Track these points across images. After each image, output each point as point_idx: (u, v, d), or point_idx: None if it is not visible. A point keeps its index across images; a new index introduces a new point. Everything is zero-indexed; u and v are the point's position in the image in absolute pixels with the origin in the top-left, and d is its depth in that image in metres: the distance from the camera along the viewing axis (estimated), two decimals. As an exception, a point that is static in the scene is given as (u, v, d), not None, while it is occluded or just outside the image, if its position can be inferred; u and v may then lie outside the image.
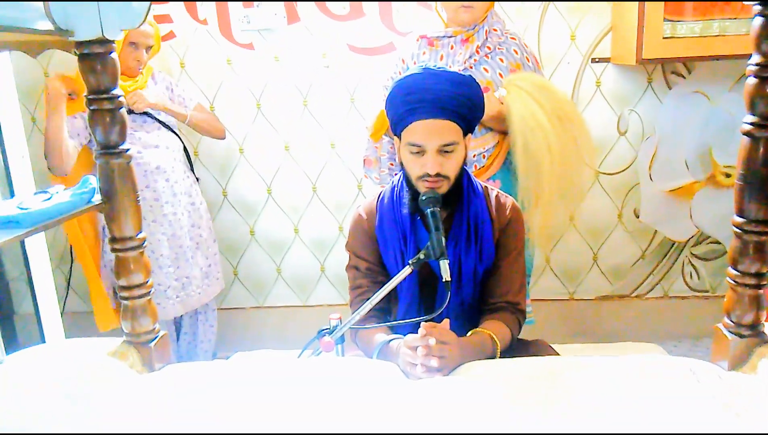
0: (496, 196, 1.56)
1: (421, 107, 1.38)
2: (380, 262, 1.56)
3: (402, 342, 1.32)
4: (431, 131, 1.38)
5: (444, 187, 1.42)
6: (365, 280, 1.56)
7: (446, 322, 1.34)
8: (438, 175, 1.39)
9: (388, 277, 1.54)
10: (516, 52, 2.02)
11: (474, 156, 2.00)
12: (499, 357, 1.41)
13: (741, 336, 1.18)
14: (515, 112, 1.91)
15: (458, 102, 1.38)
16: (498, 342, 1.40)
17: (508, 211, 1.54)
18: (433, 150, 1.39)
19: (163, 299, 2.36)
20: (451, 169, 1.42)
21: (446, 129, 1.39)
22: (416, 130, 1.40)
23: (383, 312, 1.55)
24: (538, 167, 1.92)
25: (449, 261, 1.36)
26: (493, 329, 1.43)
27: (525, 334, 1.65)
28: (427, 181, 1.40)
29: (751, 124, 1.10)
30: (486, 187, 1.58)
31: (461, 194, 1.49)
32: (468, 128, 1.44)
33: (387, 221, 1.53)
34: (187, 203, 2.43)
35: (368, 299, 1.35)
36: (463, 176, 1.49)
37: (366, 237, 1.56)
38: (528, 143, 1.91)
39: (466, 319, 1.53)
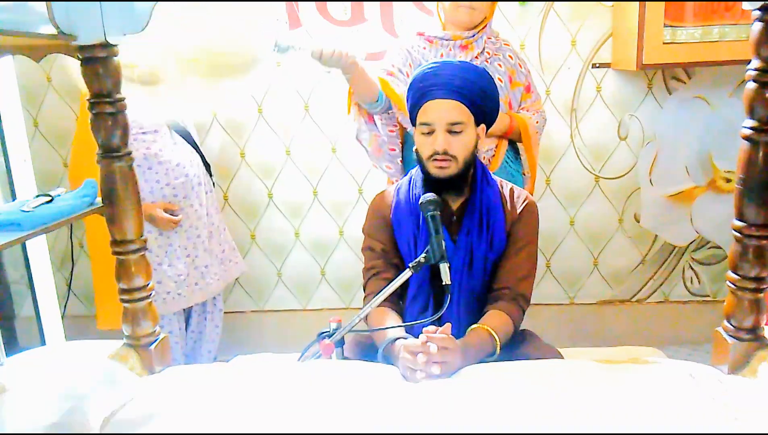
0: (511, 189, 1.62)
1: (432, 90, 1.48)
2: (394, 246, 1.61)
3: (402, 346, 1.32)
4: (439, 110, 1.47)
5: (452, 168, 1.48)
6: (379, 262, 1.59)
7: (448, 326, 1.34)
8: (446, 154, 1.46)
9: (402, 261, 1.60)
10: (511, 58, 2.04)
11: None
12: (500, 349, 1.41)
13: (741, 340, 1.18)
14: None
15: (466, 85, 1.47)
16: (497, 337, 1.41)
17: (521, 204, 1.58)
18: (441, 128, 1.47)
19: (183, 288, 2.40)
20: (459, 150, 1.48)
21: (454, 108, 1.47)
22: (426, 110, 1.49)
23: (395, 299, 1.57)
24: None
25: (455, 256, 1.41)
26: (492, 323, 1.44)
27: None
28: (436, 159, 1.48)
29: (751, 128, 1.10)
30: (501, 181, 1.64)
31: (474, 184, 1.55)
32: (478, 115, 1.51)
33: (402, 207, 1.58)
34: (205, 193, 2.46)
35: (383, 280, 1.47)
36: (476, 165, 1.56)
37: (382, 221, 1.61)
38: None
39: (477, 308, 1.55)
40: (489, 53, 2.01)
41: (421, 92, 1.50)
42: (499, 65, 2.02)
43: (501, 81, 2.00)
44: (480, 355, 1.36)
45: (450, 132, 1.47)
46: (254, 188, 2.84)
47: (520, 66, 2.06)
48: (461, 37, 1.98)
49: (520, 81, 2.04)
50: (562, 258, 2.84)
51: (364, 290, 1.60)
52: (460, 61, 1.53)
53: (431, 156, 1.48)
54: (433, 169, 1.49)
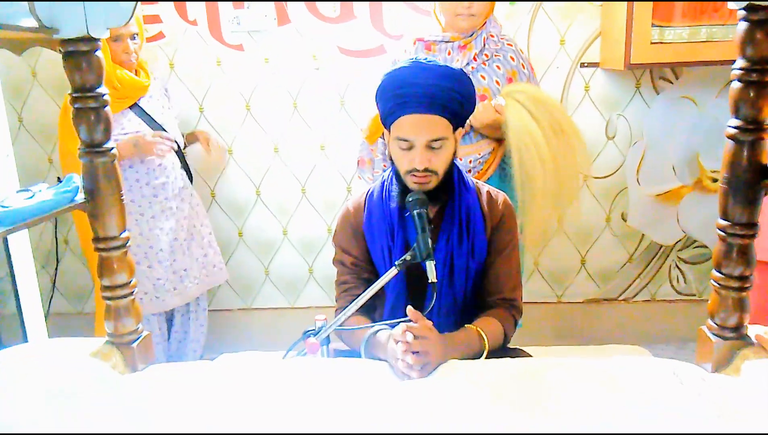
0: (488, 191, 1.56)
1: (409, 101, 1.37)
2: (366, 258, 1.56)
3: (390, 335, 1.31)
4: (419, 126, 1.38)
5: (432, 183, 1.42)
6: (350, 277, 1.56)
7: (429, 322, 1.34)
8: (426, 170, 1.39)
9: (374, 273, 1.54)
10: (512, 59, 2.02)
11: (470, 161, 2.01)
12: (488, 353, 1.40)
13: (724, 338, 1.18)
14: (512, 127, 1.92)
15: (448, 96, 1.37)
16: (486, 339, 1.39)
17: (500, 207, 1.53)
18: (421, 145, 1.38)
19: (162, 292, 2.38)
20: (440, 165, 1.41)
21: (435, 124, 1.38)
22: (404, 125, 1.39)
23: (369, 309, 1.54)
24: (532, 182, 1.94)
25: (436, 261, 1.35)
26: (483, 326, 1.43)
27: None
28: (415, 175, 1.40)
29: (736, 127, 1.11)
30: (477, 182, 1.58)
31: (452, 189, 1.48)
32: (458, 123, 1.43)
33: (375, 216, 1.52)
34: (185, 196, 2.44)
35: (353, 296, 1.35)
36: (453, 171, 1.49)
37: (353, 232, 1.56)
38: (523, 159, 1.93)
39: (460, 317, 1.52)
40: (487, 55, 1.99)
41: (397, 100, 1.38)
42: (498, 67, 2.00)
43: (499, 84, 1.98)
44: (466, 352, 1.36)
45: (430, 147, 1.38)
46: (242, 186, 2.82)
47: (523, 67, 2.04)
48: (459, 38, 1.97)
49: (521, 82, 2.03)
50: (550, 256, 2.84)
51: (336, 302, 1.57)
52: (435, 65, 1.39)
53: (410, 171, 1.40)
54: (412, 185, 1.41)
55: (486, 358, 1.40)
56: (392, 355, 1.28)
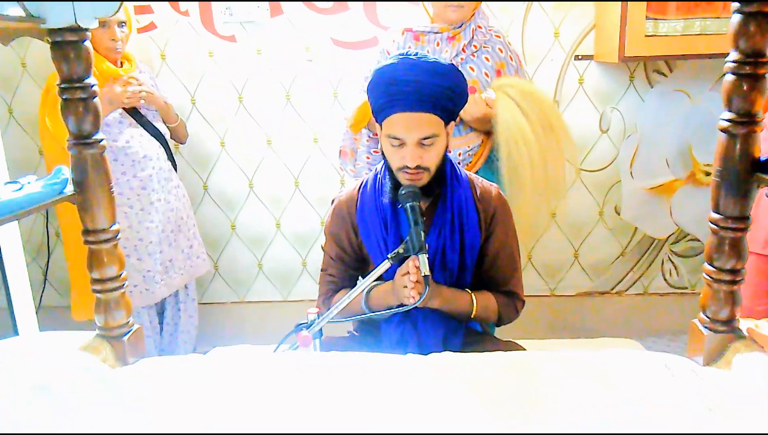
0: (481, 184, 1.56)
1: (400, 99, 1.36)
2: (355, 252, 1.57)
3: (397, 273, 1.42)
4: (411, 124, 1.37)
5: (424, 179, 1.42)
6: (334, 270, 1.59)
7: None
8: (418, 167, 1.38)
9: (361, 269, 1.57)
10: (500, 51, 2.01)
11: (459, 154, 2.00)
12: (481, 343, 1.46)
13: (716, 332, 1.19)
14: (501, 122, 1.91)
15: (439, 93, 1.36)
16: (476, 303, 1.48)
17: (493, 200, 1.54)
18: (412, 143, 1.37)
19: (151, 284, 2.38)
20: (432, 161, 1.41)
21: (426, 122, 1.37)
22: (396, 123, 1.38)
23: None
24: (520, 179, 1.93)
25: (428, 254, 1.36)
26: (478, 295, 1.50)
27: (505, 329, 1.65)
28: (407, 172, 1.40)
29: (728, 120, 1.10)
30: (470, 175, 1.58)
31: (444, 183, 1.49)
32: (450, 117, 1.42)
33: (368, 209, 1.52)
34: (171, 188, 2.42)
35: (339, 290, 1.43)
36: (445, 165, 1.48)
37: (344, 224, 1.56)
38: (511, 154, 1.92)
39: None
40: (476, 46, 1.98)
41: (387, 98, 1.37)
42: (486, 58, 1.99)
43: (488, 75, 1.98)
44: (453, 306, 1.46)
45: (421, 144, 1.38)
46: (235, 178, 2.81)
47: (511, 59, 2.03)
48: (448, 29, 1.97)
49: (509, 75, 2.02)
50: (543, 250, 2.84)
51: (319, 289, 1.61)
52: (425, 61, 1.37)
53: (402, 168, 1.40)
54: (404, 181, 1.41)
55: (477, 344, 1.45)
56: (400, 285, 1.40)
